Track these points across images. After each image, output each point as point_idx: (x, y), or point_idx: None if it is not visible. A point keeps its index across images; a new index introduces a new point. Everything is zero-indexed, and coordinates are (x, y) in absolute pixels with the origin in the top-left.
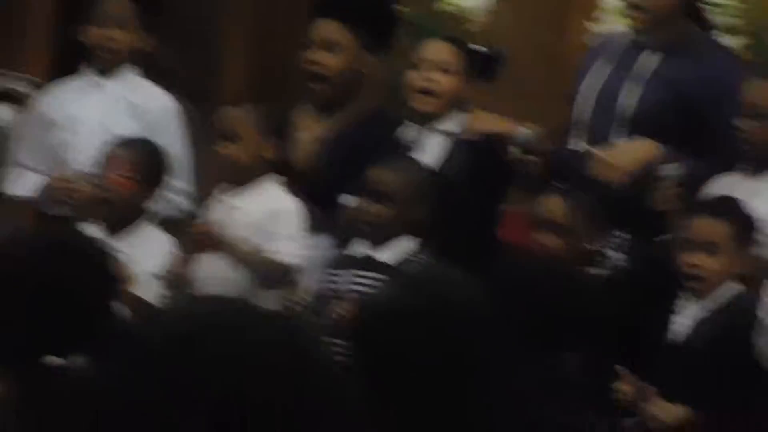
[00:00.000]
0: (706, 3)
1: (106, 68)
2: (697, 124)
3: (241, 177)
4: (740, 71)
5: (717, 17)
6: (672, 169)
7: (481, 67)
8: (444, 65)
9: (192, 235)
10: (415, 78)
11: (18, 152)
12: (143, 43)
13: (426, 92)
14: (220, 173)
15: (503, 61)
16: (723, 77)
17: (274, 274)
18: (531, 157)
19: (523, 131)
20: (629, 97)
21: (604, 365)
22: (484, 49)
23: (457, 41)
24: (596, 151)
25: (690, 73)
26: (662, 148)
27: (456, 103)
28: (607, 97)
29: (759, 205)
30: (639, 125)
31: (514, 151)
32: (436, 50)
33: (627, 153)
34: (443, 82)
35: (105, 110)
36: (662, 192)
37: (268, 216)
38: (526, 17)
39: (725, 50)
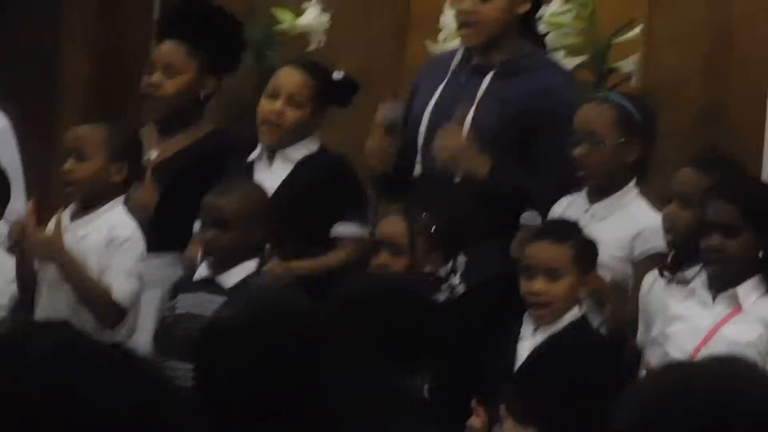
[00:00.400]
0: (544, 22)
1: None
2: (531, 143)
3: (87, 198)
4: (573, 90)
5: (555, 36)
6: (530, 219)
7: (337, 94)
8: (295, 95)
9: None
10: (265, 107)
11: None
12: None
13: (272, 122)
14: (64, 193)
15: (356, 89)
16: (556, 95)
17: (103, 309)
18: None
19: None
20: (462, 118)
21: (447, 387)
22: (340, 75)
23: (312, 67)
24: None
25: (523, 93)
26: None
27: (305, 131)
28: (440, 117)
29: (600, 228)
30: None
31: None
32: (289, 79)
33: (465, 151)
34: (290, 114)
35: None
36: (520, 240)
37: (105, 244)
38: (365, 36)
39: (559, 68)
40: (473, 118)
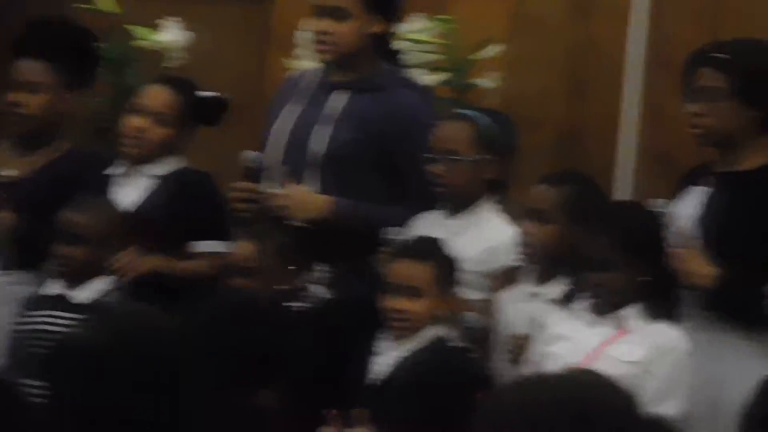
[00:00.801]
0: (404, 39)
1: None
2: (388, 162)
3: None
4: (430, 108)
5: (416, 54)
6: (395, 233)
7: (207, 113)
8: (160, 113)
9: None
10: (130, 123)
11: None
12: None
13: (135, 138)
14: None
15: (228, 106)
16: (411, 114)
17: None
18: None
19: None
20: (319, 138)
21: (305, 401)
22: (210, 94)
23: (180, 85)
24: (276, 192)
25: (379, 111)
26: (338, 205)
27: (170, 149)
28: (299, 138)
29: (458, 244)
30: (331, 166)
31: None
32: (155, 96)
33: (302, 203)
34: (155, 131)
35: None
36: (383, 256)
37: None
38: (226, 53)
39: (415, 87)
40: (330, 139)
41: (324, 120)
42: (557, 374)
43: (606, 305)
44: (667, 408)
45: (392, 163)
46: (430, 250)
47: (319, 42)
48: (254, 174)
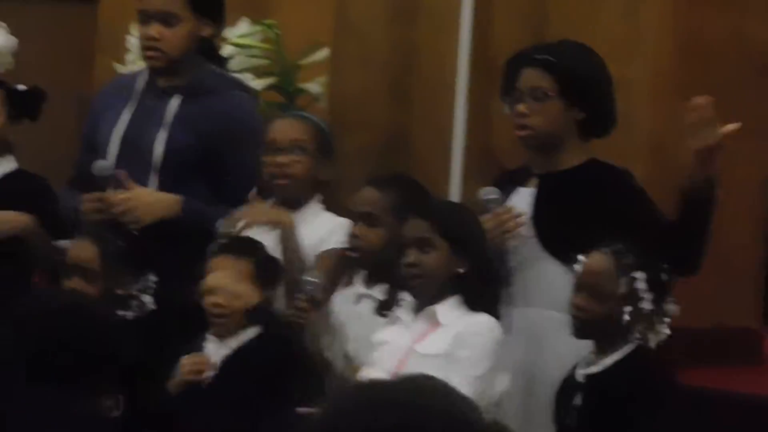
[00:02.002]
0: (230, 44)
1: None
2: (218, 162)
3: None
4: (256, 109)
5: (241, 59)
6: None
7: (24, 106)
8: None
9: None
10: None
11: None
12: None
13: None
14: None
15: (44, 98)
16: (239, 116)
17: None
18: None
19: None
20: (156, 143)
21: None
22: (23, 87)
23: None
24: (122, 195)
25: (208, 113)
26: (184, 202)
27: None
28: (133, 142)
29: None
30: (168, 170)
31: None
32: None
33: (149, 204)
34: None
35: None
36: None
37: None
38: (51, 58)
39: (243, 89)
40: (166, 141)
41: (159, 125)
42: (389, 381)
43: (423, 297)
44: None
45: (222, 165)
46: (250, 248)
47: (148, 48)
48: (104, 182)
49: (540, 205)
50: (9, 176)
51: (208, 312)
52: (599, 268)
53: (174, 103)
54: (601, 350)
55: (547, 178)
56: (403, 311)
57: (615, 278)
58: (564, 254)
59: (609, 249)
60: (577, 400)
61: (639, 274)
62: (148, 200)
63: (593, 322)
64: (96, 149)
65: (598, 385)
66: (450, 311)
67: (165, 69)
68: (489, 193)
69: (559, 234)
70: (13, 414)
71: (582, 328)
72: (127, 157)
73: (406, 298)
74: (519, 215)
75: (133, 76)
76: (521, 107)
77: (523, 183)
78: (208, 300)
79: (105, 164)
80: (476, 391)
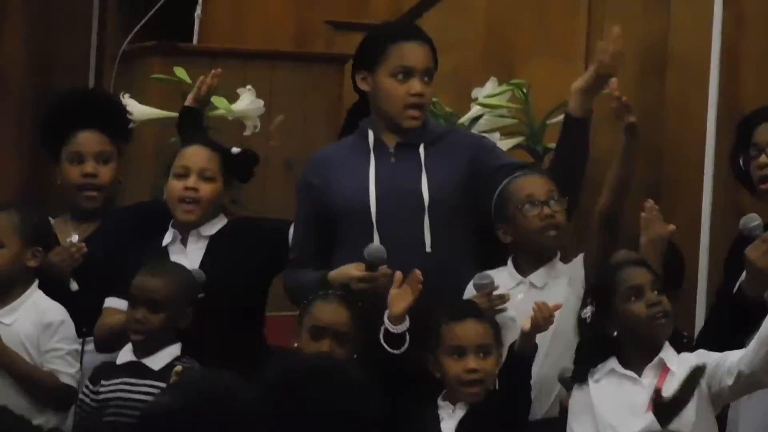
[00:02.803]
0: (481, 105)
1: None
2: (479, 183)
3: (2, 284)
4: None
5: (489, 118)
6: (483, 279)
7: (238, 168)
8: (206, 170)
9: None
10: (178, 187)
11: None
12: None
13: (190, 202)
14: None
15: (257, 161)
16: (479, 137)
17: (53, 393)
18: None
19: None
20: (422, 185)
21: None
22: (237, 150)
23: (213, 144)
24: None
25: (458, 146)
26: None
27: (217, 207)
28: (389, 192)
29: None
30: (435, 207)
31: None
32: (194, 154)
33: None
34: (204, 188)
35: None
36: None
37: (41, 329)
38: (302, 120)
39: (474, 136)
40: (428, 184)
41: (410, 172)
42: None
43: None
44: None
45: (477, 179)
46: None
47: (414, 106)
48: (374, 264)
49: None
50: (226, 230)
51: (462, 377)
52: None
53: (421, 151)
54: None
55: None
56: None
57: None
58: None
59: None
60: None
61: None
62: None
63: None
64: (328, 218)
65: None
66: (671, 355)
67: (419, 126)
68: (751, 221)
69: None
70: None
71: None
72: (389, 208)
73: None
74: None
75: (347, 144)
76: (764, 159)
77: None
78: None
79: (379, 248)
80: None
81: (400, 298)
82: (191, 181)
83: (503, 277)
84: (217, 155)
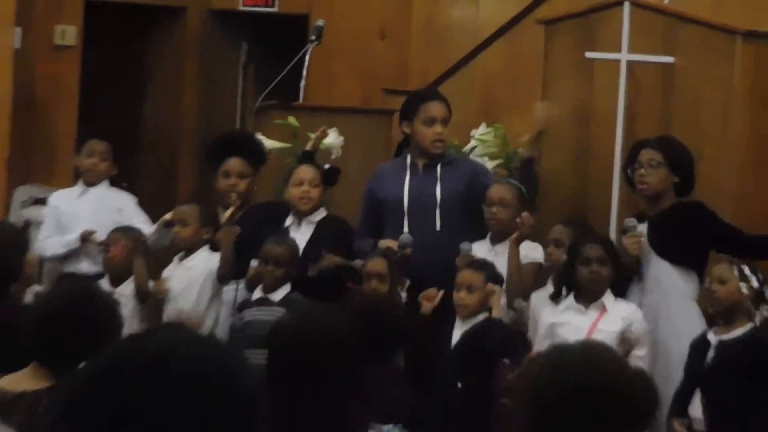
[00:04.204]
0: (477, 140)
1: (92, 183)
2: (475, 199)
3: (188, 247)
4: (488, 170)
5: (482, 148)
6: (465, 246)
7: (328, 178)
8: (313, 180)
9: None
10: (297, 192)
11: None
12: (114, 171)
13: (306, 199)
14: (175, 246)
15: (340, 172)
16: (482, 172)
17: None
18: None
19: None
20: (437, 191)
21: (415, 358)
22: (327, 166)
23: (314, 163)
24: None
25: (463, 172)
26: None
27: (319, 203)
28: (417, 196)
29: (499, 262)
30: (444, 205)
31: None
32: (306, 171)
33: None
34: (314, 192)
35: (94, 208)
36: (461, 259)
37: (205, 273)
38: (358, 152)
39: (473, 160)
40: (441, 190)
41: (431, 182)
42: (580, 344)
43: (592, 293)
44: (640, 353)
45: (477, 200)
46: (484, 265)
47: (437, 140)
48: (404, 248)
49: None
50: (327, 221)
51: (455, 304)
52: (724, 275)
53: (438, 169)
54: (728, 324)
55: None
56: (571, 302)
57: (736, 279)
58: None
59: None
60: (710, 355)
61: (753, 275)
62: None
63: (724, 307)
64: (380, 208)
65: (728, 348)
66: (608, 298)
67: (442, 154)
68: (629, 222)
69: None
70: (355, 373)
71: (717, 311)
72: (416, 207)
73: (571, 295)
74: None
75: (396, 163)
76: (641, 171)
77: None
78: (455, 296)
79: (408, 237)
80: (646, 363)
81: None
82: (305, 187)
83: (482, 247)
84: (318, 171)
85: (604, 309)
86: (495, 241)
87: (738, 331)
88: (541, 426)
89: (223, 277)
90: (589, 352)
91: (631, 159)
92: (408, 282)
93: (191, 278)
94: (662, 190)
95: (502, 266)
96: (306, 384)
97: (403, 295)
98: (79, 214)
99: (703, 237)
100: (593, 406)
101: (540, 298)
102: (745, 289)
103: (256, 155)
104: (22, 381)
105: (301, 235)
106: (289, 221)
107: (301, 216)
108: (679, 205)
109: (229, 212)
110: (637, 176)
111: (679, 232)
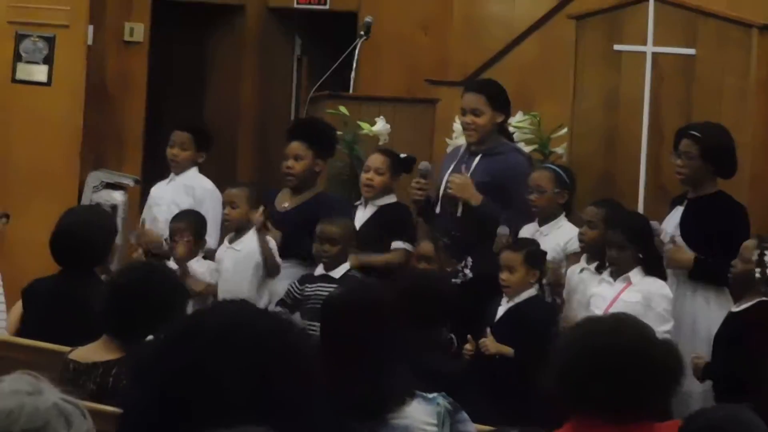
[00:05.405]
0: (514, 126)
1: (177, 171)
2: (503, 194)
3: (239, 228)
4: (528, 163)
5: (519, 134)
6: (503, 229)
7: (404, 166)
8: (379, 168)
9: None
10: (363, 177)
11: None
12: (199, 158)
13: (368, 186)
14: (227, 228)
15: (415, 161)
16: (516, 168)
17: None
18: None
19: (425, 163)
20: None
21: (460, 331)
22: (404, 154)
23: (388, 151)
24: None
25: (496, 167)
26: (484, 198)
27: (385, 189)
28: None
29: (545, 240)
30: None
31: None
32: (374, 159)
33: (465, 185)
34: (377, 179)
35: (173, 193)
36: (499, 241)
37: (254, 255)
38: (412, 135)
39: (520, 152)
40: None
41: (468, 171)
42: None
43: (620, 269)
44: (663, 328)
45: (506, 195)
46: (524, 244)
47: (467, 129)
48: (425, 175)
49: (685, 219)
50: (388, 206)
51: (500, 283)
52: (745, 253)
53: (476, 159)
54: (739, 298)
55: (691, 201)
56: (606, 275)
57: (756, 255)
58: (699, 250)
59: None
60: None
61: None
62: (466, 182)
63: (738, 280)
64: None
65: (737, 317)
66: (636, 275)
67: (477, 141)
68: (423, 166)
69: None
70: (403, 343)
71: (733, 283)
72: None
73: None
74: None
75: (459, 147)
76: (680, 162)
77: (678, 204)
78: (500, 275)
79: (427, 164)
80: (669, 327)
81: None
82: (370, 174)
83: (530, 228)
84: (388, 159)
85: (629, 282)
86: (541, 222)
87: (746, 304)
88: (570, 386)
89: (269, 274)
90: (617, 321)
91: (675, 145)
92: (456, 264)
93: (239, 259)
94: (699, 178)
95: (547, 246)
96: (352, 351)
97: (467, 272)
98: (162, 199)
99: (724, 232)
100: (617, 368)
101: (572, 272)
102: (758, 274)
103: (315, 139)
104: (93, 353)
105: (364, 216)
106: (358, 202)
107: (366, 200)
108: (718, 197)
109: (259, 212)
110: (676, 165)
111: (706, 223)
